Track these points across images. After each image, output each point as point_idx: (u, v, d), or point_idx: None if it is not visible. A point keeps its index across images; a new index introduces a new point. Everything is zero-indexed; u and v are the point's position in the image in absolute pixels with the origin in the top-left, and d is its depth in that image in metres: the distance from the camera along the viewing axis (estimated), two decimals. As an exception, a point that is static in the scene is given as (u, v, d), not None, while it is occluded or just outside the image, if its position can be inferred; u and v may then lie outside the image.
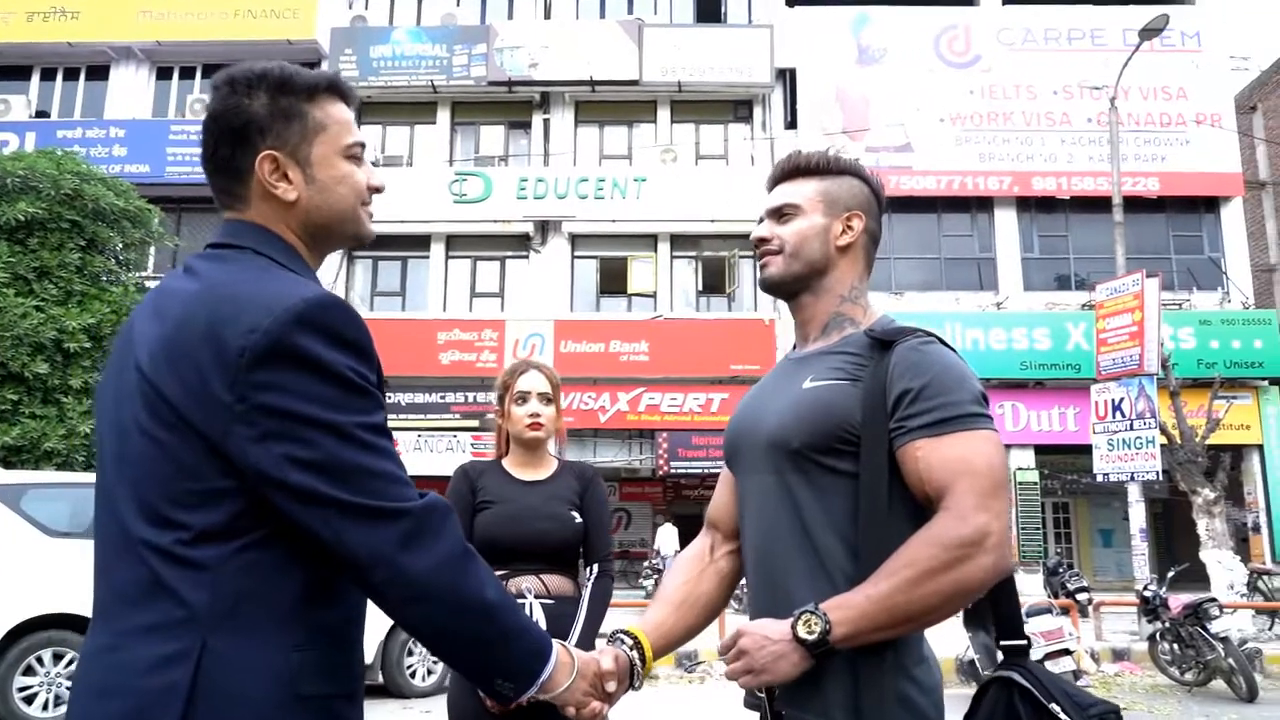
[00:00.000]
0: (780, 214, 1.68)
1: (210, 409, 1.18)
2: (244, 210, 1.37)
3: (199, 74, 19.74)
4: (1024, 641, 1.52)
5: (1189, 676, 8.72)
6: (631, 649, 1.62)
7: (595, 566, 2.79)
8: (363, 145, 1.44)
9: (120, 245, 12.04)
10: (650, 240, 18.97)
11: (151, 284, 13.20)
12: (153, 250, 14.54)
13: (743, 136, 19.47)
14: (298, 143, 1.35)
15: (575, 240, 18.86)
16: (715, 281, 18.98)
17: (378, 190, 1.44)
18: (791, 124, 19.05)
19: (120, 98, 19.39)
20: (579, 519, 2.76)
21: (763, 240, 1.69)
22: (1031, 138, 18.50)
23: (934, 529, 1.40)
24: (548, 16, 19.84)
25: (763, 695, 1.52)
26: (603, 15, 19.94)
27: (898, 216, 18.79)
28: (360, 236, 1.43)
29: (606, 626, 2.10)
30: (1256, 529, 17.14)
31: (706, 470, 18.35)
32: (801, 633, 1.39)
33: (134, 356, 1.27)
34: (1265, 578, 13.25)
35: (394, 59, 18.91)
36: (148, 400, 1.22)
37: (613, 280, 18.97)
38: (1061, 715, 1.39)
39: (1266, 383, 17.39)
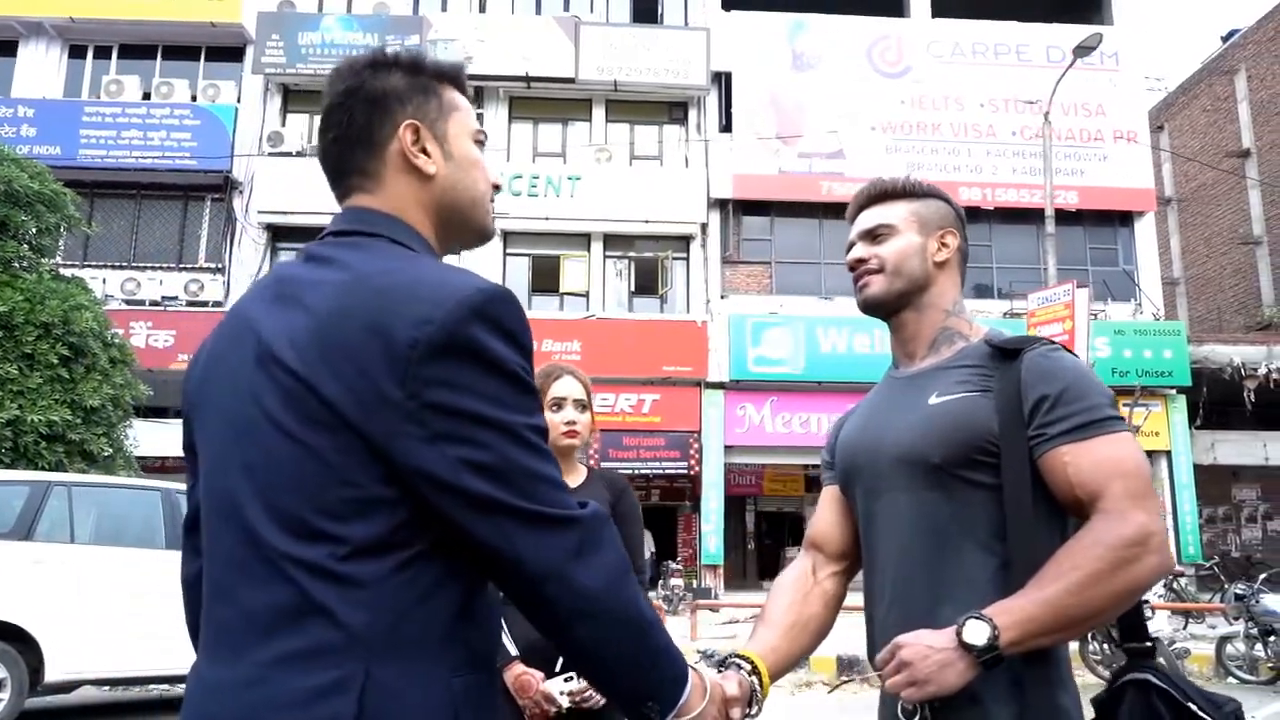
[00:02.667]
0: (874, 235, 1.71)
1: (375, 408, 1.06)
2: (375, 190, 1.27)
3: (115, 54, 18.89)
4: (1149, 644, 1.52)
5: (1117, 675, 8.99)
6: (750, 674, 1.56)
7: (628, 561, 2.70)
8: (486, 136, 1.38)
9: (34, 230, 11.40)
10: (583, 239, 18.85)
11: (67, 271, 12.59)
12: (62, 236, 13.86)
13: (678, 138, 19.48)
14: (435, 118, 1.29)
15: (508, 238, 18.63)
16: (648, 282, 18.95)
17: (498, 188, 1.38)
18: (726, 127, 19.14)
19: (29, 75, 18.42)
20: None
21: (860, 261, 1.71)
22: (959, 148, 18.94)
23: (1096, 531, 1.40)
24: (482, 10, 19.56)
25: (917, 713, 1.47)
26: (539, 11, 19.74)
27: (828, 222, 19.03)
28: (486, 229, 1.36)
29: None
30: (1164, 532, 17.81)
31: (636, 470, 18.31)
32: (969, 639, 1.35)
33: (261, 350, 1.13)
34: (1178, 580, 13.76)
35: (323, 47, 18.39)
36: (293, 398, 1.09)
37: (545, 279, 18.80)
38: (1202, 714, 1.40)
39: (1174, 391, 18.11)
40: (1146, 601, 8.18)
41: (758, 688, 1.55)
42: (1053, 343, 1.57)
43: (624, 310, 18.70)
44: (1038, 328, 12.53)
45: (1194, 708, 1.40)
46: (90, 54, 18.91)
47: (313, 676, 1.03)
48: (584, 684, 2.36)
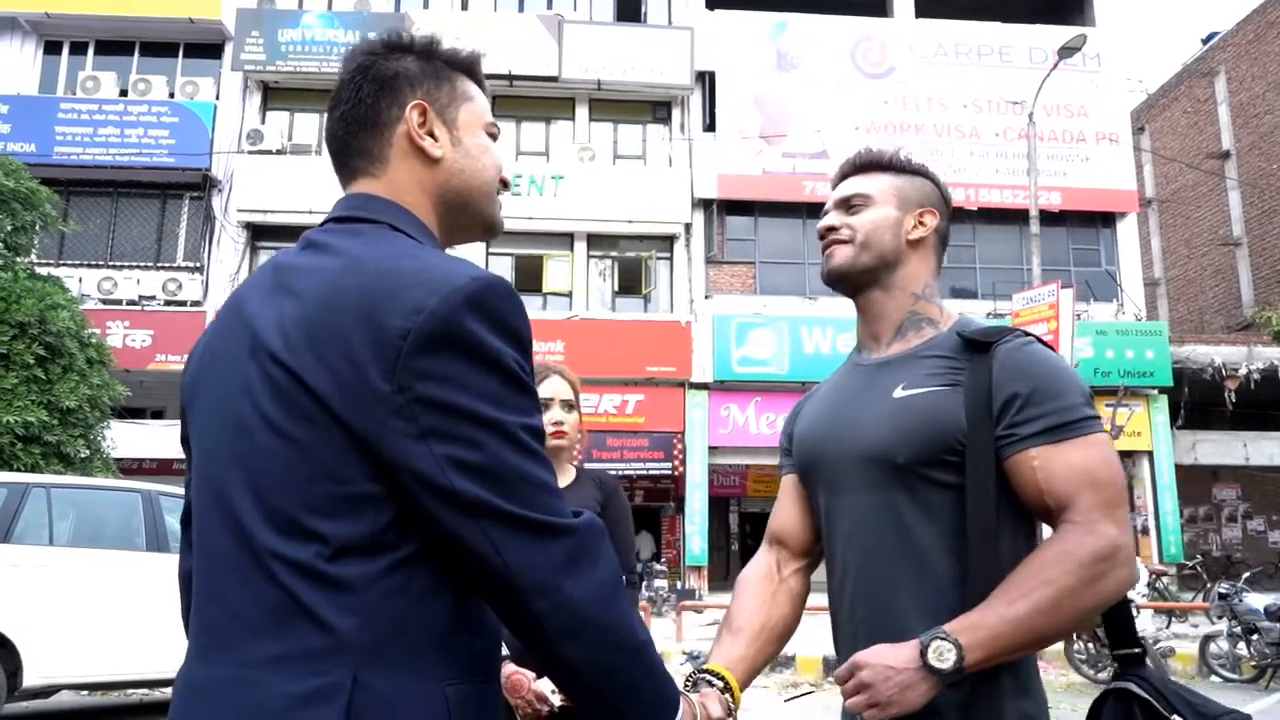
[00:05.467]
0: (849, 205, 1.62)
1: (363, 400, 1.00)
2: (379, 174, 1.22)
3: (91, 50, 18.66)
4: (1139, 650, 1.45)
5: (1104, 675, 9.00)
6: (724, 691, 1.49)
7: (622, 578, 2.65)
8: (499, 129, 1.34)
9: (9, 228, 11.22)
10: (567, 239, 18.77)
11: (43, 270, 12.40)
12: (38, 235, 13.66)
13: (661, 137, 19.45)
14: (446, 104, 1.26)
15: (491, 237, 18.51)
16: (632, 282, 18.90)
17: (506, 185, 1.33)
18: (710, 127, 19.12)
19: (3, 71, 18.13)
20: None
21: (830, 229, 1.62)
22: (942, 149, 18.98)
23: (1065, 544, 1.34)
24: (464, 7, 19.46)
25: None
26: (521, 9, 19.65)
27: (812, 222, 18.96)
28: (493, 222, 1.32)
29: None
30: (1145, 531, 17.93)
31: (620, 471, 18.25)
32: (934, 661, 1.30)
33: (253, 341, 1.08)
34: (1161, 579, 13.84)
35: (303, 44, 18.23)
36: (282, 390, 1.03)
37: (528, 279, 18.71)
38: None
39: (1156, 391, 18.23)
40: (1131, 600, 8.27)
41: (731, 705, 1.47)
42: (1027, 334, 1.49)
43: (607, 310, 18.64)
44: (1021, 328, 12.57)
45: (1178, 717, 1.34)
46: (66, 50, 18.65)
47: (299, 682, 0.98)
48: None
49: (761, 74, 19.11)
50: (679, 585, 17.41)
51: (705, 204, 18.77)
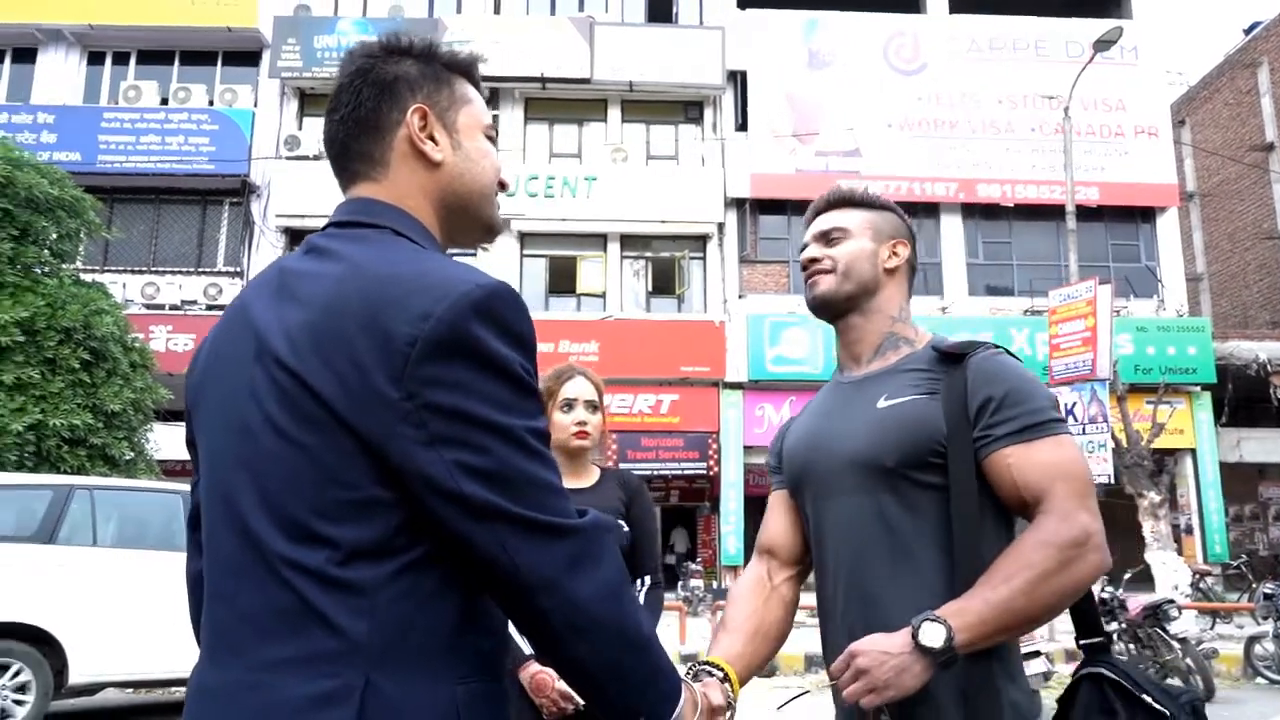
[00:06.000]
0: (828, 237, 1.75)
1: (371, 406, 1.02)
2: (380, 178, 1.23)
3: (133, 60, 19.02)
4: (1105, 639, 1.56)
5: (1145, 677, 8.87)
6: (723, 681, 1.55)
7: (646, 578, 2.68)
8: (497, 132, 1.35)
9: (55, 236, 11.46)
10: (600, 240, 18.82)
11: (87, 276, 12.64)
12: (83, 242, 13.94)
13: (693, 137, 19.44)
14: (446, 107, 1.26)
15: (524, 239, 18.63)
16: (665, 282, 18.91)
17: (504, 187, 1.34)
18: (742, 126, 19.08)
19: (49, 82, 18.56)
20: (626, 528, 2.65)
21: (813, 260, 1.75)
22: (976, 145, 18.81)
23: (1042, 532, 1.44)
24: (497, 11, 19.58)
25: (884, 715, 1.47)
26: (553, 12, 19.73)
27: (846, 220, 18.92)
28: (493, 224, 1.32)
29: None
30: (1189, 531, 17.64)
31: (655, 472, 18.27)
32: (926, 641, 1.38)
33: (258, 345, 1.10)
34: (1205, 579, 13.61)
35: (339, 50, 18.41)
36: (288, 396, 1.05)
37: (562, 280, 18.79)
38: (1155, 705, 1.43)
39: (1199, 388, 17.92)
40: (1172, 601, 8.07)
41: (730, 695, 1.53)
42: (997, 347, 1.61)
43: (641, 311, 18.66)
44: (1059, 325, 12.42)
45: (1147, 699, 1.43)
46: (109, 60, 19.03)
47: (311, 684, 1.00)
48: None
49: (793, 72, 19.04)
50: (715, 585, 17.39)
51: (738, 203, 18.74)
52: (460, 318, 1.04)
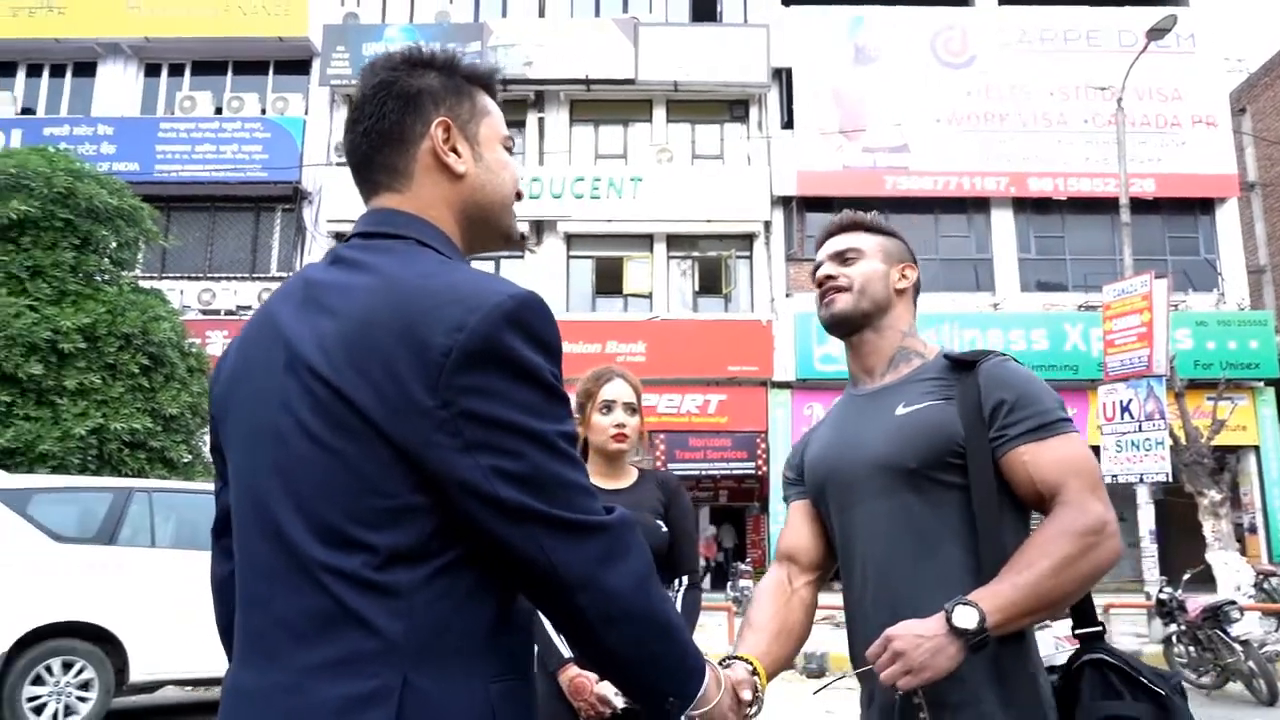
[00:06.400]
0: (843, 257, 1.85)
1: (407, 415, 1.04)
2: (403, 189, 1.25)
3: (189, 71, 19.47)
4: (1100, 628, 1.65)
5: (1206, 680, 8.66)
6: (751, 674, 1.61)
7: (684, 579, 2.69)
8: (514, 143, 1.36)
9: (114, 244, 11.77)
10: (646, 240, 18.85)
11: (145, 284, 12.95)
12: (141, 250, 14.29)
13: (739, 136, 19.38)
14: (467, 120, 1.29)
15: (571, 240, 18.71)
16: (712, 282, 18.87)
17: (520, 196, 1.37)
18: (788, 124, 18.98)
19: (108, 95, 19.07)
20: (665, 529, 2.65)
21: (829, 278, 1.84)
22: (1028, 138, 18.51)
23: (1061, 521, 1.53)
24: (542, 14, 19.69)
25: (918, 701, 1.54)
26: (597, 14, 19.79)
27: (894, 217, 18.63)
28: (511, 234, 1.35)
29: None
30: (1253, 529, 17.20)
31: (703, 472, 18.27)
32: (960, 623, 1.45)
33: (289, 355, 1.12)
34: (1270, 579, 13.26)
35: (387, 57, 18.67)
36: (323, 404, 1.07)
37: (609, 280, 18.84)
38: (1152, 686, 1.52)
39: (1262, 384, 17.47)
40: (1234, 602, 7.85)
41: (759, 687, 1.59)
42: (1004, 354, 1.73)
43: (688, 310, 18.65)
44: (1113, 320, 12.17)
45: (1145, 680, 1.53)
46: (165, 72, 19.50)
47: (351, 685, 1.03)
48: None
49: (839, 68, 18.90)
50: (764, 585, 17.30)
51: (784, 201, 18.64)
52: (493, 328, 1.07)
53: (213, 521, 1.34)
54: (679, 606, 2.62)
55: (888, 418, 1.71)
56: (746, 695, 1.48)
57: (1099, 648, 1.60)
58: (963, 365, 1.71)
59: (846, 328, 1.84)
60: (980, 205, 18.74)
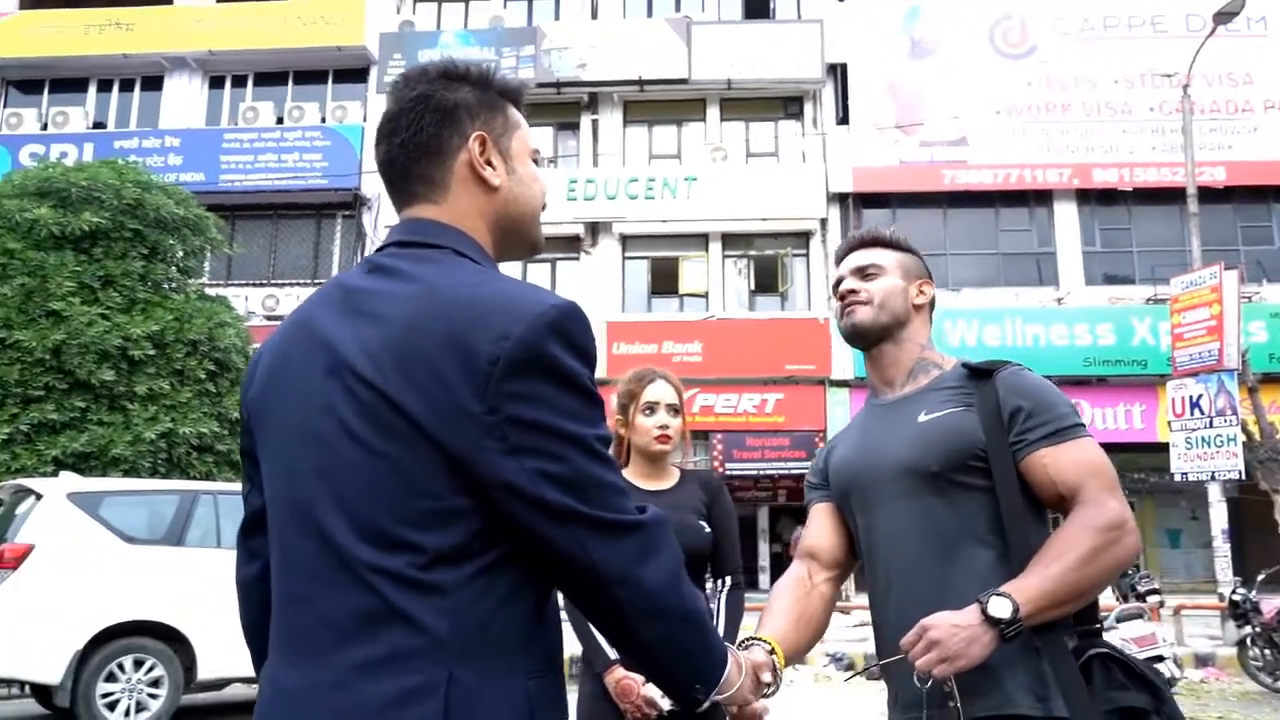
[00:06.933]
0: (864, 272, 1.92)
1: (456, 421, 1.08)
2: (439, 200, 1.29)
3: (251, 82, 19.93)
4: (1099, 625, 1.73)
5: (1282, 683, 8.40)
6: (769, 654, 1.69)
7: (728, 578, 2.68)
8: (541, 155, 1.45)
9: (181, 253, 12.10)
10: (701, 240, 18.81)
11: (211, 291, 13.28)
12: (208, 258, 14.66)
13: (794, 133, 19.25)
14: (500, 133, 1.32)
15: (626, 241, 18.76)
16: (768, 281, 18.78)
17: (544, 207, 1.40)
18: (843, 119, 18.80)
19: (174, 107, 19.61)
20: (708, 529, 2.64)
21: (851, 292, 1.92)
22: (1091, 129, 18.09)
23: (1082, 518, 1.62)
24: (594, 17, 19.77)
25: (950, 689, 1.59)
26: (650, 14, 19.81)
27: (953, 211, 18.48)
28: (539, 244, 1.40)
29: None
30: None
31: (762, 471, 18.18)
32: (994, 613, 1.52)
33: (332, 360, 1.15)
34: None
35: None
36: (368, 409, 1.11)
37: (664, 280, 18.84)
38: (1151, 679, 1.62)
39: (1343, 378, 16.83)
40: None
41: (777, 666, 1.67)
42: (1020, 365, 1.82)
43: (744, 309, 18.57)
44: (1181, 313, 11.84)
45: (1149, 675, 1.63)
46: (228, 84, 19.98)
47: (398, 681, 1.06)
48: None
49: (895, 62, 18.67)
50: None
51: (840, 198, 18.47)
52: (537, 337, 1.11)
53: (241, 522, 1.37)
54: (723, 607, 2.61)
55: (910, 424, 1.80)
56: (766, 677, 1.56)
57: (1100, 643, 1.69)
58: (980, 374, 1.81)
59: (866, 340, 1.92)
60: (1042, 198, 18.37)
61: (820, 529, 1.97)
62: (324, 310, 1.22)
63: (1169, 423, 12.06)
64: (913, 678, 1.58)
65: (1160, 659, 6.96)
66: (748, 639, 1.74)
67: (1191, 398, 11.60)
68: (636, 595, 1.15)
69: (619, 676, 2.44)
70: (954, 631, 1.53)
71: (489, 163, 1.29)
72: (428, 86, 1.30)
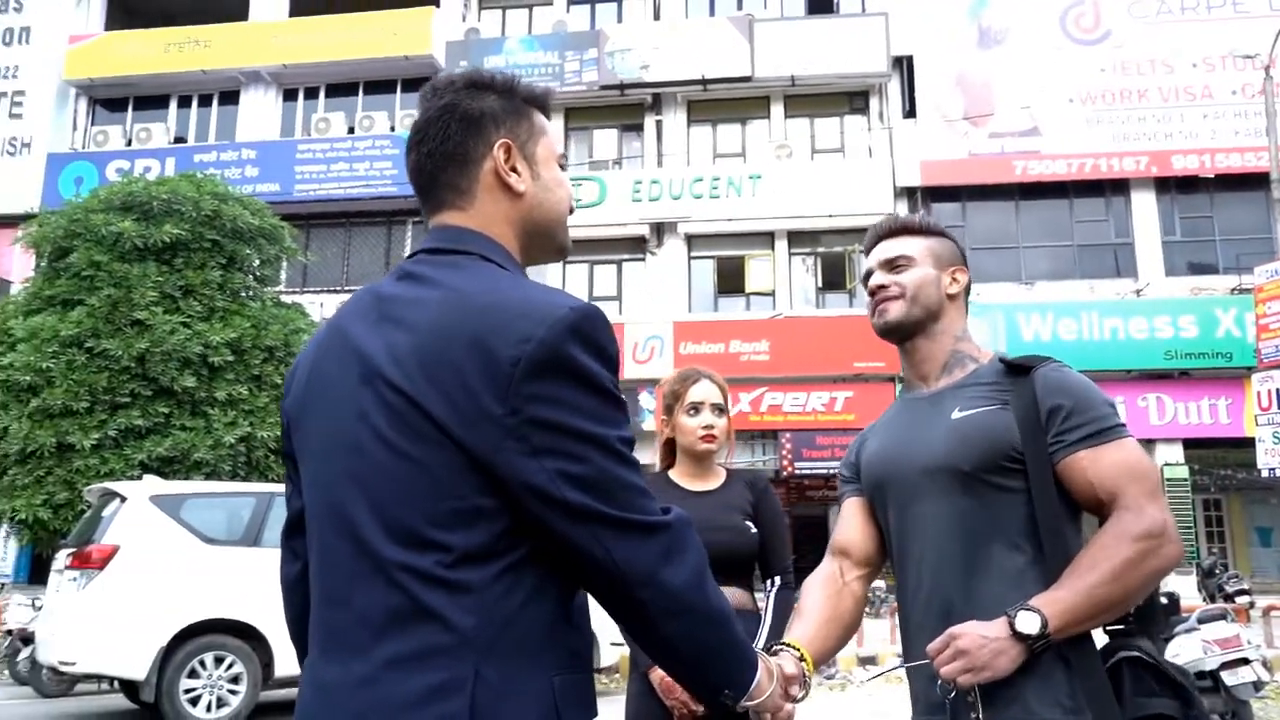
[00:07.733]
0: (893, 265, 1.85)
1: (479, 423, 1.11)
2: (466, 207, 1.32)
3: (323, 94, 20.44)
4: (1129, 625, 1.66)
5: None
6: (799, 660, 1.66)
7: (776, 579, 2.67)
8: (567, 160, 1.46)
9: (257, 262, 12.47)
10: (767, 238, 18.72)
11: (287, 298, 13.66)
12: (284, 266, 15.07)
13: (860, 128, 19.05)
14: (526, 140, 1.35)
15: (691, 241, 18.75)
16: (835, 278, 18.61)
17: (572, 211, 1.42)
18: (910, 113, 18.53)
19: (250, 120, 20.19)
20: (754, 529, 2.64)
21: (881, 288, 1.84)
22: (1170, 114, 17.54)
23: (1120, 526, 1.56)
24: (657, 17, 19.80)
25: (973, 698, 1.57)
26: (712, 13, 19.79)
27: (1025, 203, 18.10)
28: (566, 247, 1.42)
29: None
30: None
31: (831, 470, 17.97)
32: (1023, 628, 1.50)
33: (364, 368, 1.19)
34: None
35: (508, 69, 18.98)
36: (399, 414, 1.14)
37: (730, 280, 18.80)
38: (1182, 682, 1.57)
39: None
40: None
41: (806, 671, 1.64)
42: (1059, 361, 1.75)
43: (812, 307, 18.43)
44: (1267, 303, 11.43)
45: (1178, 678, 1.58)
46: (301, 96, 20.52)
47: (426, 677, 1.09)
48: None
49: (963, 53, 18.35)
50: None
51: (909, 192, 18.22)
52: (558, 339, 1.13)
53: (284, 523, 1.42)
54: (771, 606, 2.60)
55: (944, 421, 1.74)
56: (795, 690, 1.53)
57: (1131, 645, 1.64)
58: (1018, 370, 1.73)
59: (899, 335, 1.85)
60: (1119, 187, 17.87)
61: (852, 525, 1.94)
62: (356, 318, 1.26)
63: (1255, 416, 11.65)
64: (936, 685, 1.57)
65: (1245, 661, 6.71)
66: (777, 644, 1.73)
67: (1278, 390, 11.18)
68: (660, 596, 1.16)
69: (663, 673, 2.45)
70: (982, 643, 1.52)
71: (514, 169, 1.31)
72: (454, 96, 1.33)
